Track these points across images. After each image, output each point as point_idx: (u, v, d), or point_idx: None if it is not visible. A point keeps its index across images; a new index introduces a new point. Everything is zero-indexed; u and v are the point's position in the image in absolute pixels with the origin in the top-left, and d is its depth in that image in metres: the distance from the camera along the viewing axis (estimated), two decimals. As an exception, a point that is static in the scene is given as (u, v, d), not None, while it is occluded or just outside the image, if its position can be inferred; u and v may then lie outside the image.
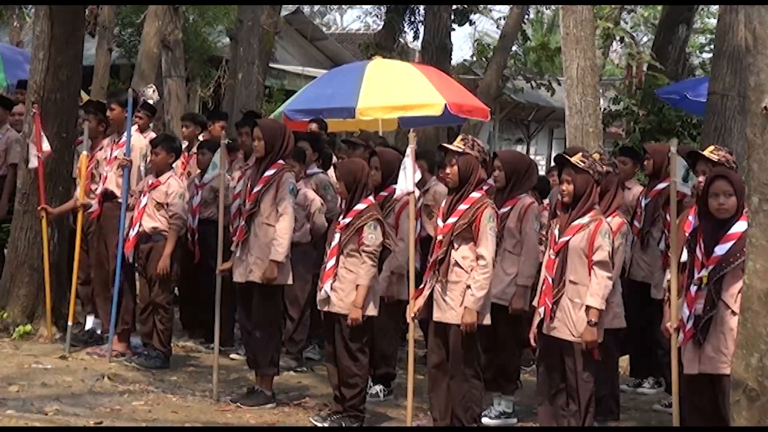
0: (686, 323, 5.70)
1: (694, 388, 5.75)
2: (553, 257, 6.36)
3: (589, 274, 6.23)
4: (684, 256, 6.42)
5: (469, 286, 6.39)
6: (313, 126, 10.67)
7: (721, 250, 5.58)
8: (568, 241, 6.29)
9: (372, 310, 6.90)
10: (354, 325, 6.78)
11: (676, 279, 5.93)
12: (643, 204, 8.22)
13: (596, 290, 6.20)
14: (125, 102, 8.59)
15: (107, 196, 8.79)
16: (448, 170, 6.59)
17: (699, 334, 5.61)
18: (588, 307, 6.19)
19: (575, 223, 6.30)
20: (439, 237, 6.55)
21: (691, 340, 5.67)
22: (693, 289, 5.69)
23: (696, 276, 5.67)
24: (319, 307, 7.03)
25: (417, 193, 7.01)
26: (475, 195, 6.51)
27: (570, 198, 6.33)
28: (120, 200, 8.58)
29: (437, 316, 6.53)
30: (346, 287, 6.85)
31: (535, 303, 6.52)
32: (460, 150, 6.54)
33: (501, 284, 7.04)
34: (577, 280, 6.27)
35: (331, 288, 6.86)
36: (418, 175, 6.80)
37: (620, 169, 8.21)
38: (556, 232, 6.38)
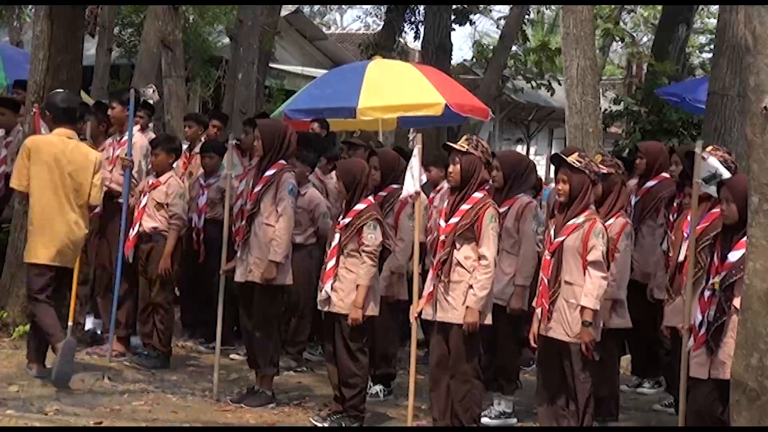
0: (698, 329, 5.63)
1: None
2: (548, 258, 6.35)
3: (584, 275, 6.23)
4: (681, 256, 6.41)
5: (471, 286, 6.39)
6: (315, 126, 10.65)
7: (733, 256, 5.52)
8: (562, 242, 6.28)
9: (372, 310, 6.91)
10: (354, 325, 6.80)
11: (691, 280, 5.88)
12: (632, 202, 8.18)
13: (590, 290, 6.17)
14: (126, 101, 8.58)
15: (109, 195, 8.76)
16: (450, 169, 6.59)
17: (711, 341, 5.56)
18: (582, 308, 6.18)
19: (570, 223, 6.30)
20: (442, 237, 6.55)
21: (703, 346, 5.61)
22: (707, 294, 5.64)
23: (710, 281, 5.63)
24: (319, 307, 7.04)
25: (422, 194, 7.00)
26: (477, 195, 6.51)
27: (566, 197, 6.32)
28: (121, 200, 8.58)
29: (439, 315, 6.52)
30: (346, 287, 6.85)
31: (534, 303, 6.52)
32: (464, 149, 6.55)
33: (499, 284, 7.03)
34: (572, 280, 6.25)
35: (332, 288, 6.87)
36: (424, 178, 6.78)
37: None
38: (552, 232, 6.38)
